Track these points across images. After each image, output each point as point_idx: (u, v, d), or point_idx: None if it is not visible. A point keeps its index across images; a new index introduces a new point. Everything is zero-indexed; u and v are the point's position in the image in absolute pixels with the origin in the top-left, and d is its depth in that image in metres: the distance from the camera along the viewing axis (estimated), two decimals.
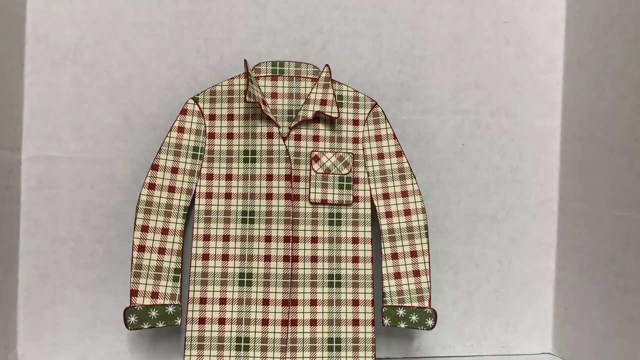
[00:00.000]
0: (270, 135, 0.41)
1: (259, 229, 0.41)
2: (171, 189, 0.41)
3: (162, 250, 0.40)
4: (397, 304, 0.41)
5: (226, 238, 0.41)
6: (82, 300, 0.42)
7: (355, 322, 0.40)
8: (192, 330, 0.39)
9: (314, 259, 0.41)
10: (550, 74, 0.47)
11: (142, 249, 0.39)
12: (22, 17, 0.42)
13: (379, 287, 0.41)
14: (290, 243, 0.41)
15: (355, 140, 0.43)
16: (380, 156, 0.43)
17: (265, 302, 0.40)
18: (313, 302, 0.40)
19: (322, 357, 0.40)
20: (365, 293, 0.41)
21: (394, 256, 0.41)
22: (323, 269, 0.41)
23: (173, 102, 0.43)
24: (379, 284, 0.41)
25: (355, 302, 0.41)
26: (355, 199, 0.42)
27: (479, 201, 0.47)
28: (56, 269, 0.42)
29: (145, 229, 0.39)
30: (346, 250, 0.41)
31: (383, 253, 0.41)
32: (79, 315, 0.42)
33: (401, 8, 0.46)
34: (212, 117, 0.42)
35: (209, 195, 0.41)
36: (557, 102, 0.47)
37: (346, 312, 0.41)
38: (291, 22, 0.45)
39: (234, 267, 0.40)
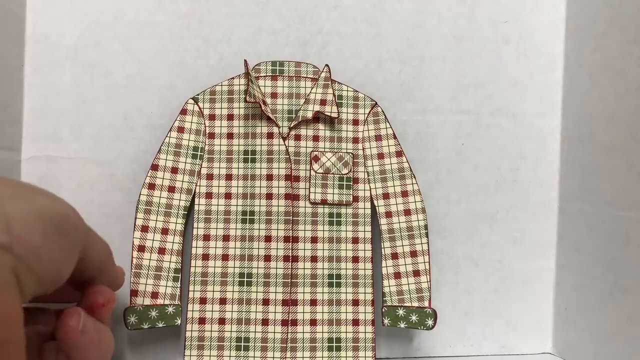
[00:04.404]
0: (270, 135, 0.41)
1: (259, 229, 0.41)
2: (171, 189, 0.41)
3: (162, 250, 0.40)
4: (397, 304, 0.41)
5: (226, 238, 0.41)
6: None
7: (355, 322, 0.40)
8: (192, 330, 0.39)
9: (313, 259, 0.41)
10: (550, 74, 0.47)
11: (142, 249, 0.39)
12: (22, 17, 0.42)
13: (379, 287, 0.41)
14: (290, 243, 0.41)
15: (355, 140, 0.43)
16: (380, 156, 0.43)
17: (265, 302, 0.40)
18: (313, 302, 0.40)
19: (322, 357, 0.40)
20: (365, 293, 0.41)
21: (394, 256, 0.41)
22: (323, 269, 0.41)
23: (173, 102, 0.43)
24: (379, 284, 0.41)
25: (355, 302, 0.41)
26: (355, 199, 0.42)
27: (479, 201, 0.47)
28: None
29: (145, 229, 0.39)
30: (346, 250, 0.41)
31: (383, 253, 0.41)
32: None
33: (401, 8, 0.46)
34: (212, 117, 0.42)
35: (208, 195, 0.41)
36: (557, 102, 0.47)
37: (346, 312, 0.41)
38: (291, 22, 0.45)
39: (234, 267, 0.40)
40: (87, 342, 0.27)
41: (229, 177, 0.41)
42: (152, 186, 0.40)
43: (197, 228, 0.41)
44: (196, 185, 0.41)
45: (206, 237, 0.41)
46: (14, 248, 0.23)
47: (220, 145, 0.42)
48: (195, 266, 0.40)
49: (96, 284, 0.31)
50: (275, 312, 0.40)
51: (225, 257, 0.40)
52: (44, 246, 0.24)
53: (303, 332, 0.40)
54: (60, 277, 0.26)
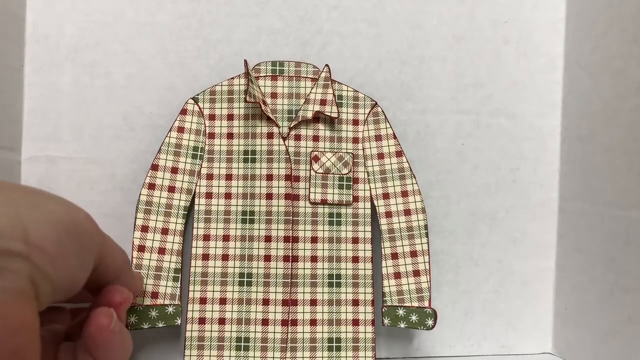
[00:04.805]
0: (270, 135, 0.41)
1: (259, 229, 0.41)
2: (171, 189, 0.41)
3: (162, 250, 0.40)
4: (397, 304, 0.40)
5: (226, 238, 0.41)
6: None
7: (355, 322, 0.40)
8: (192, 330, 0.39)
9: (313, 259, 0.41)
10: (550, 74, 0.47)
11: (142, 249, 0.39)
12: (22, 17, 0.42)
13: (379, 287, 0.41)
14: (290, 243, 0.41)
15: (355, 140, 0.43)
16: (380, 156, 0.43)
17: (265, 302, 0.40)
18: (313, 302, 0.40)
19: (322, 357, 0.40)
20: (365, 293, 0.41)
21: (394, 256, 0.41)
22: (323, 269, 0.41)
23: (173, 102, 0.43)
24: (379, 284, 0.41)
25: (355, 302, 0.41)
26: (355, 199, 0.42)
27: (479, 201, 0.47)
28: None
29: (145, 229, 0.39)
30: (346, 250, 0.41)
31: (383, 253, 0.41)
32: None
33: (401, 8, 0.46)
34: (212, 117, 0.42)
35: (208, 195, 0.41)
36: (557, 102, 0.47)
37: (346, 312, 0.41)
38: (291, 22, 0.45)
39: (234, 267, 0.40)
40: (115, 342, 0.28)
41: (229, 177, 0.41)
42: (152, 186, 0.40)
43: (197, 228, 0.41)
44: (196, 185, 0.41)
45: (206, 237, 0.41)
46: (31, 256, 0.23)
47: (220, 145, 0.42)
48: (195, 266, 0.40)
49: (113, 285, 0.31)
50: (275, 312, 0.40)
51: (225, 257, 0.40)
52: (60, 254, 0.24)
53: (303, 332, 0.40)
54: (75, 285, 0.26)
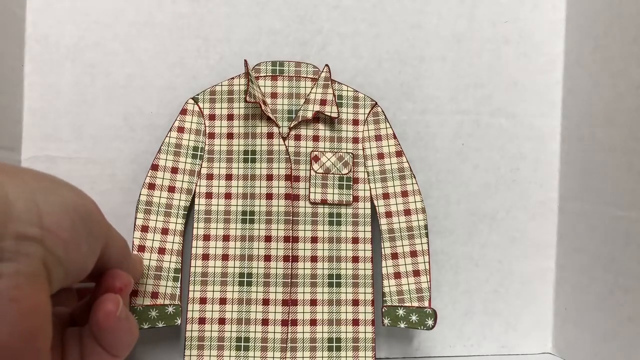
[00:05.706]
0: (270, 135, 0.41)
1: (259, 229, 0.41)
2: (171, 189, 0.41)
3: (162, 250, 0.40)
4: (397, 304, 0.41)
5: (226, 238, 0.41)
6: None
7: (355, 322, 0.40)
8: (192, 330, 0.39)
9: (313, 259, 0.41)
10: (550, 74, 0.47)
11: (142, 249, 0.39)
12: (22, 17, 0.42)
13: (379, 287, 0.41)
14: (290, 243, 0.41)
15: (355, 140, 0.43)
16: (380, 156, 0.43)
17: (265, 302, 0.40)
18: (313, 302, 0.40)
19: (322, 357, 0.40)
20: (365, 293, 0.41)
21: (394, 256, 0.41)
22: (323, 268, 0.41)
23: (173, 102, 0.43)
24: (379, 284, 0.41)
25: (355, 302, 0.41)
26: (355, 199, 0.42)
27: (479, 201, 0.47)
28: None
29: (145, 229, 0.39)
30: (346, 250, 0.41)
31: (383, 253, 0.41)
32: None
33: (401, 8, 0.46)
34: (212, 117, 0.42)
35: (208, 195, 0.41)
36: (557, 102, 0.47)
37: (346, 312, 0.41)
38: (291, 22, 0.45)
39: (234, 267, 0.40)
40: (121, 329, 0.28)
41: (229, 177, 0.41)
42: (152, 186, 0.40)
43: (197, 228, 0.41)
44: (196, 185, 0.41)
45: (206, 237, 0.41)
46: (45, 241, 0.23)
47: (220, 145, 0.42)
48: (195, 266, 0.40)
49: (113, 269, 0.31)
50: (275, 312, 0.40)
51: (225, 257, 0.40)
52: (72, 239, 0.25)
53: (303, 332, 0.40)
54: (84, 270, 0.27)
